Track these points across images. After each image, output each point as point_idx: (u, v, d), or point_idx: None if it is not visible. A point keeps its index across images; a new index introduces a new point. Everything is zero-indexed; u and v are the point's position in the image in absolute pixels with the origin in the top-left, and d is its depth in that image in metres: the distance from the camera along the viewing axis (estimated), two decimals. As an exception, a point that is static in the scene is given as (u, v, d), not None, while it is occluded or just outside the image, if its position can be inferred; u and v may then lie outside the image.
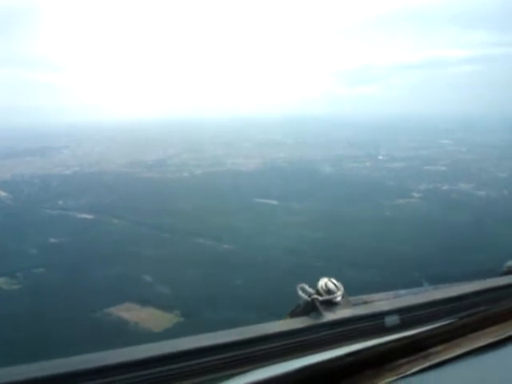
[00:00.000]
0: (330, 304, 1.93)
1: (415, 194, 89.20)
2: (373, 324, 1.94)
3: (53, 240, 65.77)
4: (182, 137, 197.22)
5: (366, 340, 1.89)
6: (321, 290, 1.94)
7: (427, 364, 1.88)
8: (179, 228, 69.94)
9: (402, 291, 2.40)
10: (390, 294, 2.33)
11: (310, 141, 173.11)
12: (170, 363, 1.50)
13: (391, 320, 1.96)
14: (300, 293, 1.93)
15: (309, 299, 1.89)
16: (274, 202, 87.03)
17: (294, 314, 1.94)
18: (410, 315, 2.02)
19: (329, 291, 1.94)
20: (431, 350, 1.97)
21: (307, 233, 65.46)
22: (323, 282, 1.97)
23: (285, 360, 1.71)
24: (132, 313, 43.30)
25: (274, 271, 49.70)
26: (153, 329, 38.84)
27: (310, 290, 1.93)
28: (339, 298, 1.94)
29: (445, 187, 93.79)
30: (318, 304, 1.88)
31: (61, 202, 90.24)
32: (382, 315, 1.96)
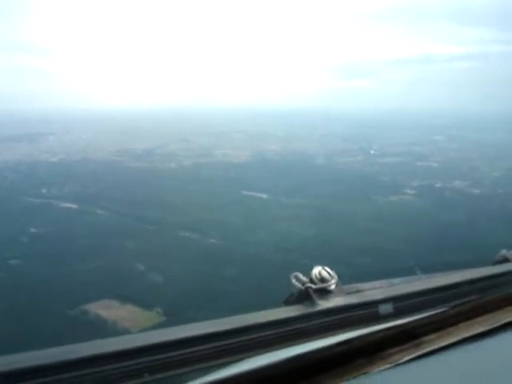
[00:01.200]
0: (324, 292, 1.94)
1: (408, 191, 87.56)
2: (366, 312, 1.95)
3: (33, 230, 63.44)
4: (173, 127, 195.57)
5: (359, 328, 1.91)
6: (314, 279, 1.94)
7: (420, 352, 1.89)
8: (165, 220, 67.84)
9: (396, 280, 2.35)
10: (384, 282, 2.29)
11: (303, 134, 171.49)
12: (163, 352, 1.50)
13: (384, 308, 1.98)
14: (294, 281, 1.93)
15: (302, 288, 1.90)
16: (264, 196, 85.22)
17: (288, 303, 1.93)
18: (403, 304, 2.04)
19: (322, 279, 1.95)
20: (424, 339, 1.97)
21: (296, 229, 63.69)
22: (317, 270, 1.97)
23: (278, 348, 1.73)
24: (111, 311, 41.00)
25: (262, 268, 47.71)
26: (131, 329, 36.55)
27: (304, 279, 1.93)
28: (333, 287, 1.96)
29: (438, 184, 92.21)
30: (311, 292, 1.89)
31: (44, 191, 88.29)
32: (375, 304, 1.97)
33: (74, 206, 78.10)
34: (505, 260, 2.66)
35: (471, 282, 2.29)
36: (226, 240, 60.45)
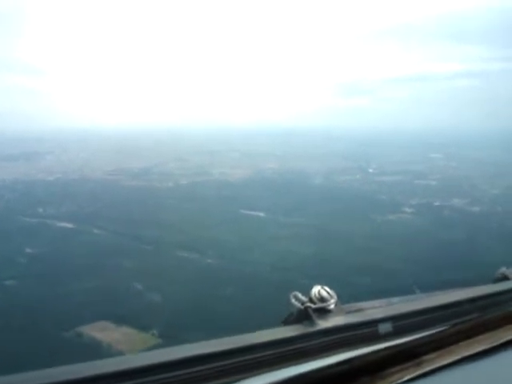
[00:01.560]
0: (324, 312, 1.97)
1: (407, 209, 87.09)
2: (366, 332, 1.99)
3: (29, 250, 62.73)
4: (170, 146, 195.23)
5: (359, 348, 1.92)
6: (314, 298, 1.98)
7: (420, 371, 1.87)
8: (162, 240, 67.19)
9: (395, 299, 2.40)
10: (383, 301, 2.32)
11: (301, 152, 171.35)
12: (161, 372, 1.51)
13: (384, 328, 2.02)
14: (293, 300, 1.97)
15: (302, 307, 1.93)
16: (261, 215, 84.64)
17: (287, 322, 1.98)
18: (402, 323, 2.09)
19: (322, 299, 1.98)
20: (424, 358, 1.94)
21: (295, 247, 63.15)
22: (316, 289, 2.00)
23: (278, 368, 1.74)
24: (106, 333, 40.19)
25: (259, 288, 47.09)
26: (126, 352, 35.76)
27: (303, 298, 1.97)
28: (332, 306, 1.99)
29: (437, 203, 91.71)
30: (311, 312, 1.93)
31: (41, 210, 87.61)
32: (375, 323, 2.02)
33: (70, 225, 77.38)
34: (504, 278, 2.72)
35: (471, 300, 2.33)
36: (223, 259, 59.80)
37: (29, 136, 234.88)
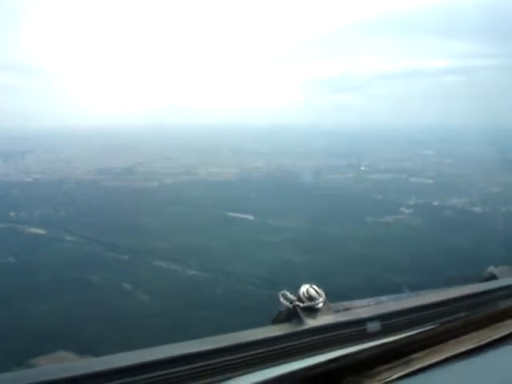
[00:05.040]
0: (312, 310, 1.98)
1: (404, 210, 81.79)
2: (354, 330, 2.00)
3: (-16, 261, 56.37)
4: (156, 144, 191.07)
5: (347, 346, 1.94)
6: (302, 297, 1.98)
7: (409, 370, 1.90)
8: (140, 248, 61.05)
9: (384, 298, 2.43)
10: (372, 300, 2.35)
11: (289, 150, 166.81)
12: (149, 371, 1.51)
13: (373, 326, 2.03)
14: (282, 299, 1.99)
15: (290, 306, 1.96)
16: (250, 217, 79.26)
17: (275, 321, 2.01)
18: (391, 321, 2.10)
19: (310, 298, 1.98)
20: (413, 356, 1.98)
21: (285, 255, 57.62)
22: (305, 288, 2.01)
23: (266, 367, 1.76)
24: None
25: (245, 308, 41.20)
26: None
27: (292, 297, 1.99)
28: (321, 305, 2.00)
29: (436, 202, 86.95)
30: (299, 311, 1.94)
31: (12, 214, 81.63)
32: (363, 322, 2.03)
33: (41, 231, 71.52)
34: (492, 277, 2.75)
35: (459, 299, 2.34)
36: (206, 271, 53.95)
37: (9, 135, 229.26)
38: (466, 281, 2.70)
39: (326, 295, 2.00)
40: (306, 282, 2.10)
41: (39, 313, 42.00)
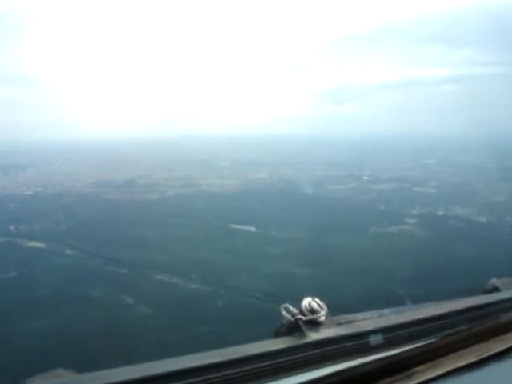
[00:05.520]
0: (314, 324, 1.97)
1: (409, 220, 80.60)
2: (356, 343, 1.99)
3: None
4: (157, 156, 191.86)
5: (349, 360, 1.93)
6: (304, 310, 1.98)
7: (411, 383, 1.90)
8: (140, 261, 60.02)
9: (386, 310, 2.41)
10: (374, 313, 2.35)
11: (291, 161, 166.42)
12: None
13: (375, 339, 2.02)
14: (284, 313, 2.00)
15: (292, 319, 1.97)
16: (252, 229, 78.19)
17: (277, 334, 2.01)
18: (393, 334, 2.09)
19: (312, 311, 1.98)
20: (415, 369, 1.95)
21: (289, 268, 56.40)
22: (307, 301, 2.01)
23: (268, 381, 1.77)
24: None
25: (248, 323, 39.94)
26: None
27: (294, 310, 2.00)
28: (323, 318, 1.99)
29: (440, 212, 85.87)
30: (301, 324, 1.95)
31: (12, 227, 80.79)
32: (365, 335, 2.03)
33: (41, 245, 70.64)
34: (495, 289, 2.73)
35: (461, 312, 2.33)
36: (208, 285, 52.83)
37: (11, 148, 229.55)
38: (469, 293, 2.61)
39: (328, 308, 1.98)
40: (309, 295, 2.05)
41: (37, 329, 40.93)
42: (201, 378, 1.56)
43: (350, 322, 2.13)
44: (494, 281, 2.77)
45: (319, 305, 1.98)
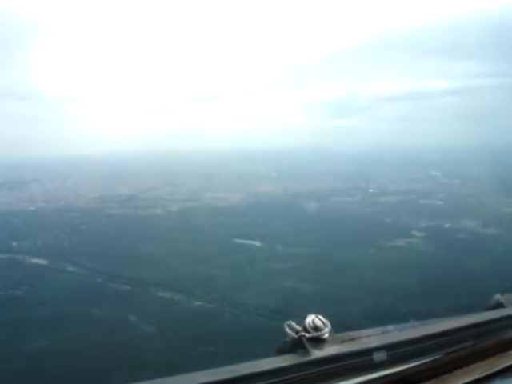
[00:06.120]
0: (318, 341, 1.97)
1: (416, 233, 79.14)
2: (360, 360, 1.97)
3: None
4: (161, 170, 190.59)
5: (353, 377, 1.93)
6: (308, 327, 1.99)
7: None
8: (143, 278, 58.98)
9: (389, 327, 2.38)
10: (377, 330, 2.32)
11: (296, 173, 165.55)
12: None
13: (378, 356, 2.00)
14: (287, 330, 2.00)
15: (296, 336, 1.96)
16: (257, 244, 76.95)
17: (281, 351, 1.99)
18: (397, 351, 2.06)
19: (316, 328, 1.98)
20: None
21: (295, 284, 55.27)
22: (310, 318, 2.02)
23: None
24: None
25: (253, 339, 38.59)
26: None
27: (297, 327, 2.00)
28: (326, 335, 1.99)
29: (447, 225, 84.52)
30: (305, 341, 1.94)
31: (14, 244, 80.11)
32: (369, 352, 2.00)
33: (43, 261, 69.68)
34: (499, 305, 2.69)
35: (465, 328, 2.30)
36: (212, 302, 51.65)
37: (15, 163, 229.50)
38: (473, 309, 2.57)
39: (332, 325, 1.97)
40: (313, 312, 2.03)
41: (37, 350, 39.79)
42: None
43: (353, 339, 2.08)
44: (498, 297, 2.69)
45: (323, 322, 1.95)
